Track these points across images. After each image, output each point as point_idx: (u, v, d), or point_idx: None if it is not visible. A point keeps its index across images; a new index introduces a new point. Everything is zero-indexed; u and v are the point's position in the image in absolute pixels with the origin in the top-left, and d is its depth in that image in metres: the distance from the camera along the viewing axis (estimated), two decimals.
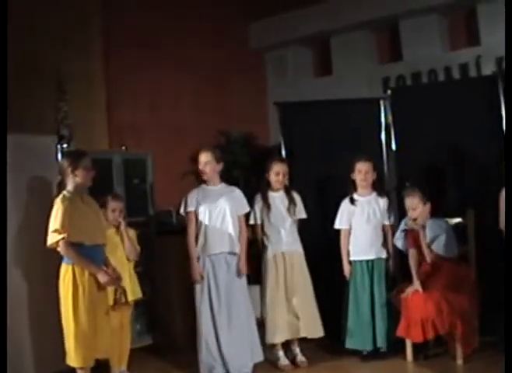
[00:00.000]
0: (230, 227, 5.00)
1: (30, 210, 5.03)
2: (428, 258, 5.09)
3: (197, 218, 5.00)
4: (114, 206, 5.04)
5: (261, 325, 5.25)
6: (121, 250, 5.04)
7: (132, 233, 5.17)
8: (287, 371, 5.18)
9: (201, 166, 5.04)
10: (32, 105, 6.46)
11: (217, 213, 4.98)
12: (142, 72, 7.75)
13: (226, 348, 4.88)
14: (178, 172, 6.96)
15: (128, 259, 5.07)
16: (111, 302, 4.63)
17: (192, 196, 5.03)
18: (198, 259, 4.99)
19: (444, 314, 4.83)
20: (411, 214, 5.15)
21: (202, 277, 4.96)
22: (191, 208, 5.01)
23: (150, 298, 5.96)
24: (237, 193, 5.13)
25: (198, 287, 4.98)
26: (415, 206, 5.12)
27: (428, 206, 5.13)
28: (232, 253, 5.00)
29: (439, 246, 5.05)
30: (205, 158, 5.03)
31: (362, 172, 5.32)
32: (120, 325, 4.94)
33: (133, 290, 5.05)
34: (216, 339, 4.90)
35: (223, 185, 5.11)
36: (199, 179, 5.16)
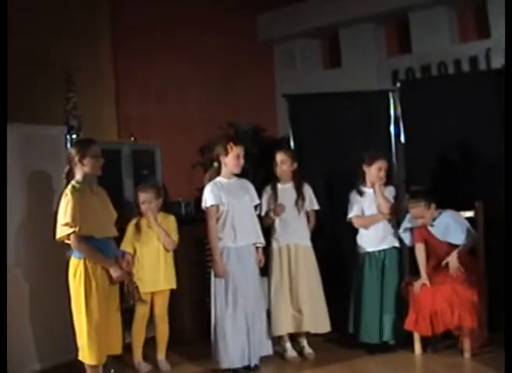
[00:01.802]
0: (255, 218, 5.01)
1: (39, 201, 5.04)
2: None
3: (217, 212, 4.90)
4: (143, 198, 5.08)
5: (268, 317, 5.26)
6: (155, 240, 5.06)
7: (171, 222, 5.17)
8: (294, 362, 5.19)
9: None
10: (41, 96, 6.47)
11: (242, 205, 4.92)
12: (151, 64, 7.76)
13: (254, 337, 4.83)
14: (186, 163, 6.97)
15: (166, 249, 5.10)
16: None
17: (215, 190, 4.89)
18: (221, 253, 4.88)
19: (453, 308, 4.83)
20: (420, 221, 5.10)
21: (226, 272, 4.85)
22: (213, 202, 4.86)
23: None
24: (250, 184, 5.10)
25: (221, 281, 4.85)
26: (422, 214, 5.08)
27: (433, 207, 5.10)
28: (257, 243, 4.98)
29: (455, 236, 5.04)
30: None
31: (382, 169, 5.29)
32: (156, 316, 5.07)
33: (168, 279, 5.09)
34: (247, 329, 4.81)
35: (235, 178, 5.06)
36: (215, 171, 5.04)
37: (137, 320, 5.05)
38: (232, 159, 4.92)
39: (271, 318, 5.19)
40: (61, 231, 4.21)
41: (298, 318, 5.18)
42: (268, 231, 5.28)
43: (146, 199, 5.06)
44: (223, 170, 4.97)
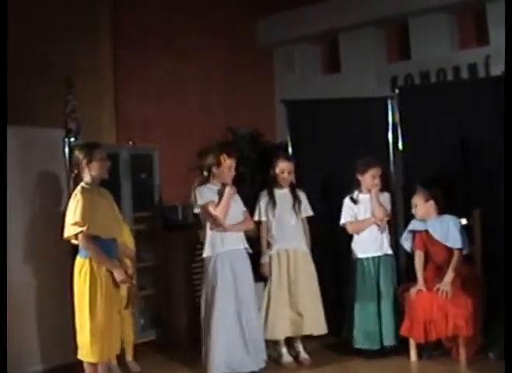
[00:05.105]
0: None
1: (38, 204, 5.05)
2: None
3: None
4: None
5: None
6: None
7: (126, 233, 5.07)
8: (290, 368, 5.19)
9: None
10: (40, 98, 6.48)
11: (233, 211, 4.89)
12: (150, 67, 7.75)
13: (253, 342, 4.82)
14: (185, 167, 6.96)
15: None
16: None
17: (209, 191, 4.87)
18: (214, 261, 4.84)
19: (448, 317, 4.83)
20: (414, 210, 5.20)
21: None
22: (210, 198, 4.84)
23: (155, 293, 5.99)
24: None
25: (219, 285, 4.79)
26: (417, 203, 5.16)
27: (430, 203, 5.13)
28: (246, 249, 4.95)
29: (454, 240, 5.06)
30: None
31: (376, 176, 5.31)
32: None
33: None
34: (243, 334, 4.80)
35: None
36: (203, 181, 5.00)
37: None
38: (224, 171, 4.89)
39: (266, 323, 5.18)
40: (70, 230, 4.26)
41: (297, 322, 5.19)
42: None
43: None
44: (213, 180, 4.93)
